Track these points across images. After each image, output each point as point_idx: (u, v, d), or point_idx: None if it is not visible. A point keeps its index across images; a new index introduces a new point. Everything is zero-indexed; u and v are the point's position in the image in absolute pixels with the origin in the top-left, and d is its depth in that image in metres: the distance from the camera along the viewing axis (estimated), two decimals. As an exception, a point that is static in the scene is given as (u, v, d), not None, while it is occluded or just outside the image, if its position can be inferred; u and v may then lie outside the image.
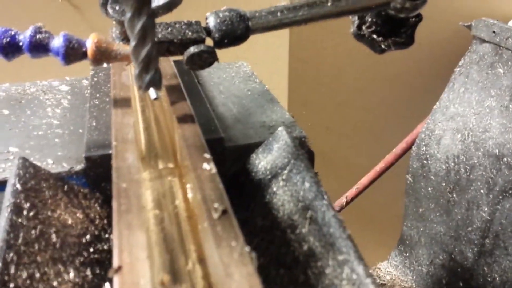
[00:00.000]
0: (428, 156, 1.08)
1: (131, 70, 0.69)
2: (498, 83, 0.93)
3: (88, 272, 0.47)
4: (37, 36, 0.50)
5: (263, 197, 0.54)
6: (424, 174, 1.10)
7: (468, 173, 0.98)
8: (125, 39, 0.53)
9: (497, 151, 0.91)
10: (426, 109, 1.40)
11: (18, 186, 0.48)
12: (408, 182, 1.14)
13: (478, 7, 1.70)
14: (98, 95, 0.72)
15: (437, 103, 1.08)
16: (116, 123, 0.50)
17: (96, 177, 0.57)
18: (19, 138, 0.64)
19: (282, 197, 0.51)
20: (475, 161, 0.96)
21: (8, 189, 0.48)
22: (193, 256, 0.41)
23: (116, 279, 0.30)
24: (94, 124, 0.63)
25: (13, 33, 0.51)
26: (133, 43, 0.47)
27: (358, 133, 1.87)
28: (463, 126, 1.00)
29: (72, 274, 0.45)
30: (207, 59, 0.56)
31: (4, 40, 0.50)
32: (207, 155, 0.43)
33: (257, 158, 0.58)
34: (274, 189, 0.53)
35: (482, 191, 0.95)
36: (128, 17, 0.45)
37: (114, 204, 0.37)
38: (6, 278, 0.39)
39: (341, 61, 1.75)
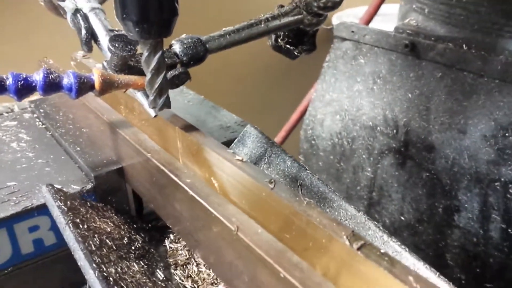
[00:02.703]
0: (315, 137, 1.31)
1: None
2: (362, 71, 1.19)
3: (142, 263, 0.57)
4: (50, 77, 0.57)
5: (251, 180, 0.68)
6: (314, 152, 1.33)
7: (350, 145, 1.23)
8: (120, 70, 0.62)
9: (371, 123, 1.17)
10: (297, 100, 1.64)
11: (63, 207, 0.55)
12: (301, 161, 1.36)
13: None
14: (58, 124, 0.78)
15: (314, 93, 1.31)
16: (135, 140, 0.60)
17: (103, 192, 0.65)
18: (5, 173, 0.68)
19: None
20: (355, 134, 1.21)
21: (56, 210, 0.55)
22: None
23: (241, 235, 0.42)
24: (78, 149, 0.70)
25: (24, 76, 0.57)
26: (149, 75, 0.57)
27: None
28: (340, 108, 1.25)
29: (136, 267, 0.55)
30: (184, 78, 0.68)
31: (19, 84, 0.56)
32: (230, 150, 0.57)
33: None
34: (260, 172, 0.67)
35: (364, 156, 1.20)
36: (145, 55, 0.56)
37: (194, 194, 0.48)
38: (105, 274, 0.48)
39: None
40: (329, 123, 1.27)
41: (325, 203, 0.60)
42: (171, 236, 0.66)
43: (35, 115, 0.84)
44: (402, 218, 1.15)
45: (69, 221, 0.53)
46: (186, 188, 0.49)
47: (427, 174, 1.07)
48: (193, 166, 0.61)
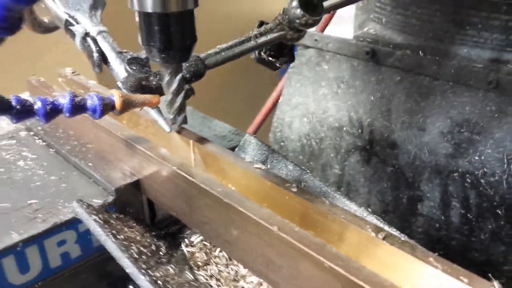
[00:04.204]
0: (284, 139, 1.40)
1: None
2: (326, 76, 1.29)
3: (174, 266, 0.62)
4: (75, 100, 0.61)
5: (256, 185, 0.74)
6: (284, 153, 1.41)
7: (319, 145, 1.32)
8: (134, 90, 0.67)
9: (337, 124, 1.27)
10: (259, 102, 1.72)
11: (99, 220, 0.59)
12: (270, 162, 1.44)
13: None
14: (62, 141, 0.81)
15: (281, 97, 1.40)
16: (157, 154, 0.65)
17: (122, 204, 0.70)
18: (22, 192, 0.70)
19: (274, 180, 0.73)
20: (323, 135, 1.30)
21: (92, 224, 0.59)
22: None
23: (282, 234, 0.49)
24: (90, 165, 0.74)
25: (51, 99, 0.61)
26: (169, 96, 0.63)
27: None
28: (307, 111, 1.34)
29: (171, 270, 0.60)
30: (189, 94, 0.73)
31: (47, 108, 0.60)
32: (248, 160, 0.63)
33: (235, 160, 0.78)
34: (264, 177, 0.74)
35: (332, 155, 1.30)
36: (167, 79, 0.62)
37: (226, 201, 0.54)
38: (154, 278, 0.53)
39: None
40: (297, 126, 1.36)
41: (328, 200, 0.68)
42: (186, 241, 0.72)
43: (31, 133, 0.86)
44: (369, 210, 1.25)
45: (109, 233, 0.57)
46: (220, 196, 0.55)
47: (391, 168, 1.18)
48: (208, 175, 0.67)
